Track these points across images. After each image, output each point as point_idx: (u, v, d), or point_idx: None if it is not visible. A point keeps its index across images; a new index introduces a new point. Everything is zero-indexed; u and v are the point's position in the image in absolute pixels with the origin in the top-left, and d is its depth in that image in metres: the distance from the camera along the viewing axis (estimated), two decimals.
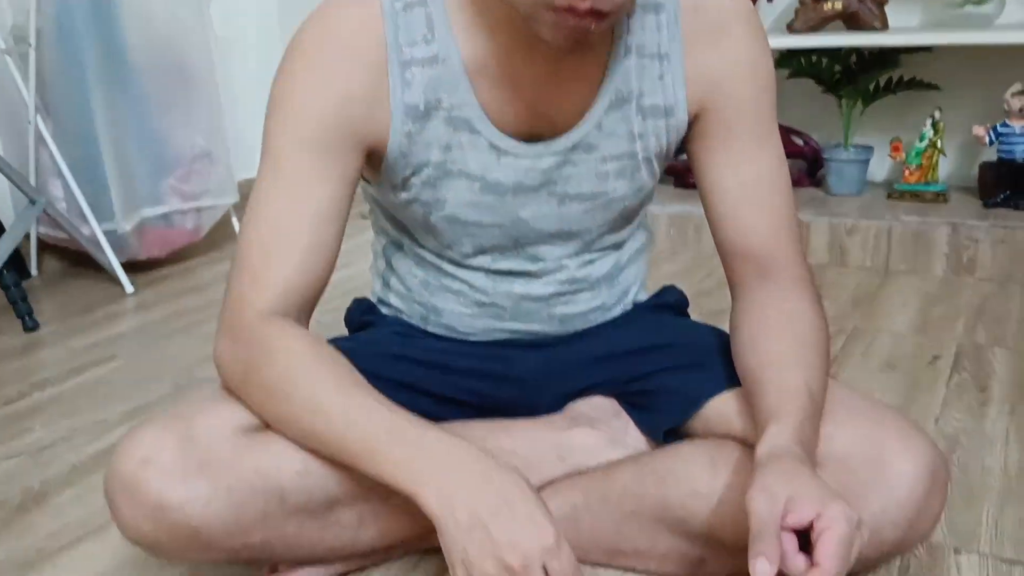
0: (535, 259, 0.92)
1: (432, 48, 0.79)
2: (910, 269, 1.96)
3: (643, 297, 1.04)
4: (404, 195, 0.86)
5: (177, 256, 2.24)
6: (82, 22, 1.92)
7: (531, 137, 0.84)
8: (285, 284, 0.80)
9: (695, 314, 1.10)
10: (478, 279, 0.93)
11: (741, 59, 0.85)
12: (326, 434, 0.75)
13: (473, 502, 0.68)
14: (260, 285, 0.80)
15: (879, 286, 1.88)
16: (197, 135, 2.17)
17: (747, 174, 0.87)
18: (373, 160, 0.84)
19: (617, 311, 1.00)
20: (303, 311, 0.83)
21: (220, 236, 2.34)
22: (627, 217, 0.94)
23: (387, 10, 0.78)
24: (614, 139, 0.86)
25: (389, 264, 1.00)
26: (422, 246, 0.94)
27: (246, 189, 2.53)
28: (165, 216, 2.14)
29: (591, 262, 0.95)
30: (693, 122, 0.88)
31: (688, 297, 1.09)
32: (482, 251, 0.91)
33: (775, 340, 0.84)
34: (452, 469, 0.70)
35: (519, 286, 0.93)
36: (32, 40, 1.91)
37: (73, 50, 1.93)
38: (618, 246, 0.97)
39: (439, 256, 0.93)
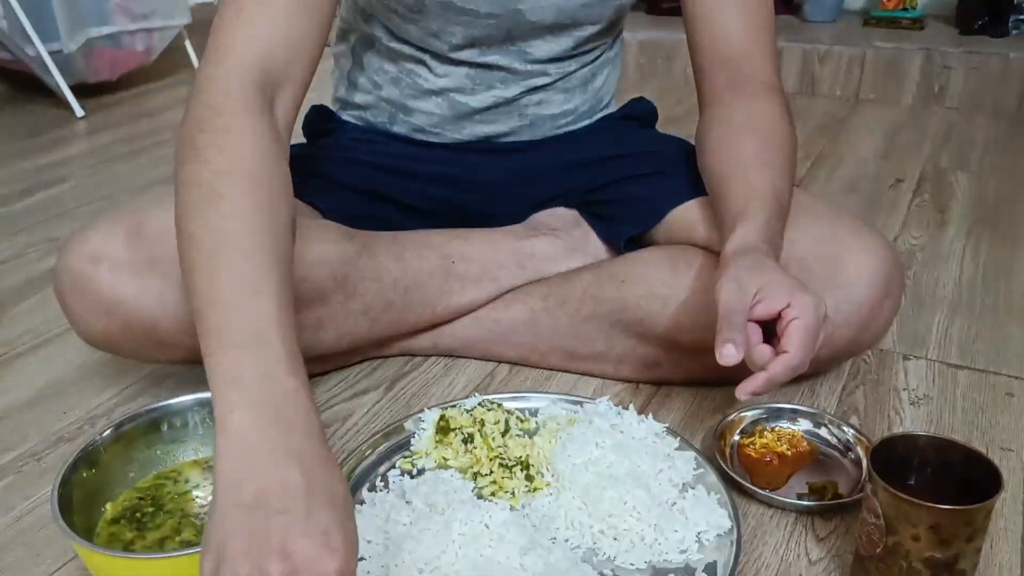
0: (523, 54, 0.89)
1: None
2: (880, 98, 1.94)
3: (612, 108, 1.02)
4: None
5: (128, 80, 2.15)
6: None
7: None
8: (273, 28, 0.68)
9: None
10: (458, 75, 0.89)
11: None
12: (193, 277, 0.57)
13: (272, 481, 0.47)
14: (243, 26, 0.68)
15: (848, 114, 1.86)
16: None
17: None
18: None
19: (586, 121, 0.98)
20: (287, 82, 0.70)
21: (173, 61, 2.25)
22: (618, 18, 0.92)
23: None
24: None
25: (358, 62, 0.95)
26: (401, 39, 0.89)
27: (199, 15, 2.42)
28: (113, 37, 2.04)
29: (570, 72, 0.92)
30: None
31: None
32: (471, 43, 0.87)
33: (742, 142, 0.82)
34: (278, 430, 0.49)
35: (499, 86, 0.90)
36: None
37: None
38: (599, 49, 0.95)
39: (421, 49, 0.89)
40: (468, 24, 0.84)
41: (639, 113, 1.05)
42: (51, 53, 1.92)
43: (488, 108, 0.91)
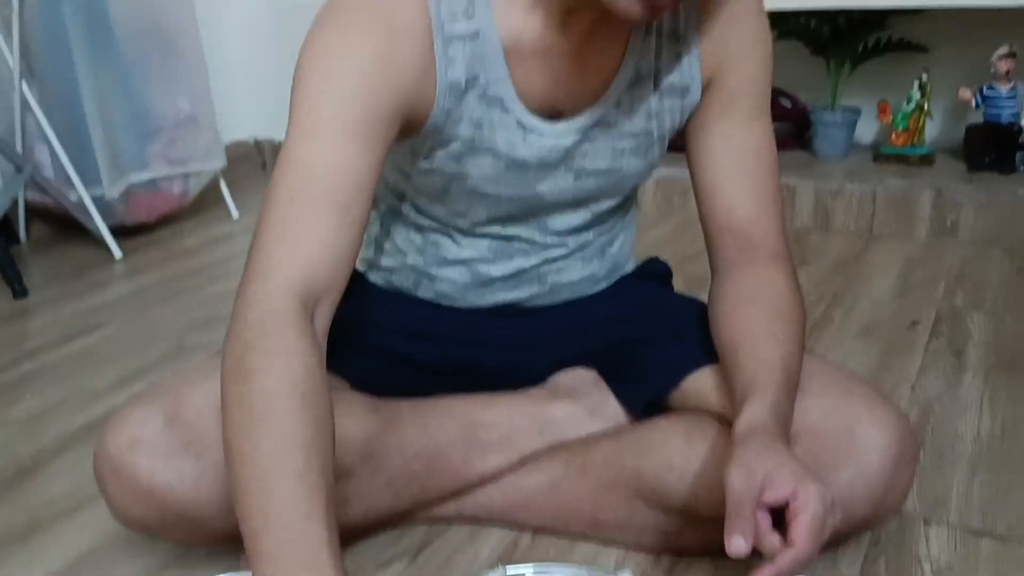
0: (543, 227, 0.93)
1: (473, 24, 0.77)
2: (893, 233, 1.98)
3: (629, 268, 1.06)
4: (425, 164, 0.85)
5: (165, 221, 2.24)
6: None
7: (553, 114, 0.84)
8: (318, 239, 0.72)
9: (680, 279, 1.12)
10: (481, 246, 0.93)
11: (749, 35, 0.87)
12: (244, 497, 0.62)
13: None
14: (290, 238, 0.71)
15: (862, 250, 1.90)
16: (182, 100, 2.16)
17: (738, 144, 0.89)
18: (414, 123, 0.80)
19: (603, 284, 1.02)
20: (327, 295, 0.73)
21: (208, 201, 2.34)
22: (633, 191, 0.97)
23: None
24: (631, 117, 0.87)
25: (386, 229, 0.99)
26: (428, 216, 0.93)
27: (232, 153, 2.53)
28: (152, 181, 2.14)
29: (590, 230, 0.97)
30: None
31: (673, 264, 1.11)
32: (494, 220, 0.91)
33: (751, 314, 0.85)
34: None
35: (519, 257, 0.94)
36: (15, 3, 1.89)
37: (56, 14, 1.91)
38: (616, 216, 0.99)
39: (445, 224, 0.93)
40: (492, 206, 0.89)
41: (655, 272, 1.09)
42: (92, 198, 2.02)
43: (509, 276, 0.96)
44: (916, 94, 2.08)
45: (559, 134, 0.84)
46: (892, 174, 2.03)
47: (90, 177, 2.02)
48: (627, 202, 0.99)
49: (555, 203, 0.91)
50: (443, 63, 0.76)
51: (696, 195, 0.93)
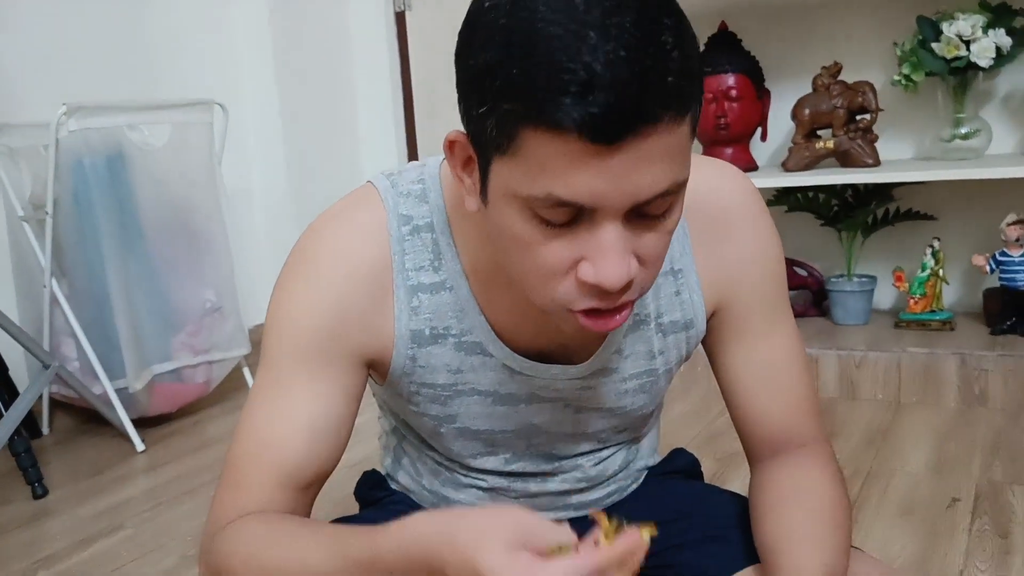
0: (549, 458, 0.89)
1: (440, 275, 0.76)
2: (921, 401, 1.95)
3: (654, 461, 1.03)
4: (412, 408, 0.84)
5: (188, 410, 2.24)
6: (97, 190, 1.98)
7: (548, 359, 0.80)
8: (291, 456, 0.75)
9: (710, 459, 1.09)
10: (491, 479, 0.90)
11: (748, 252, 0.82)
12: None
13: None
14: (263, 456, 0.75)
15: (892, 421, 1.86)
16: (208, 290, 2.21)
17: (760, 360, 0.85)
18: (379, 368, 0.80)
19: (631, 488, 0.99)
20: (309, 491, 0.78)
21: (231, 387, 2.35)
22: (645, 417, 0.93)
23: (394, 234, 0.75)
24: (633, 359, 0.83)
25: (399, 443, 0.97)
26: (432, 448, 0.91)
27: (256, 336, 2.56)
28: (175, 371, 2.16)
29: (606, 458, 0.93)
30: (709, 319, 0.85)
31: (701, 440, 1.09)
32: (493, 453, 0.88)
33: (791, 513, 0.81)
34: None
35: (534, 484, 0.90)
36: (49, 208, 1.97)
37: (88, 217, 1.99)
38: (636, 439, 0.96)
39: (451, 460, 0.90)
40: (487, 443, 0.86)
41: (681, 467, 1.06)
42: (116, 390, 2.03)
43: (528, 502, 0.91)
44: (930, 261, 2.10)
45: (552, 377, 0.81)
46: (914, 341, 2.02)
47: (114, 370, 2.04)
48: (641, 427, 0.95)
49: (556, 434, 0.87)
50: (403, 312, 0.76)
51: (727, 404, 0.89)
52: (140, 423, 2.07)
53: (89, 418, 2.18)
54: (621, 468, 0.95)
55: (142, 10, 2.52)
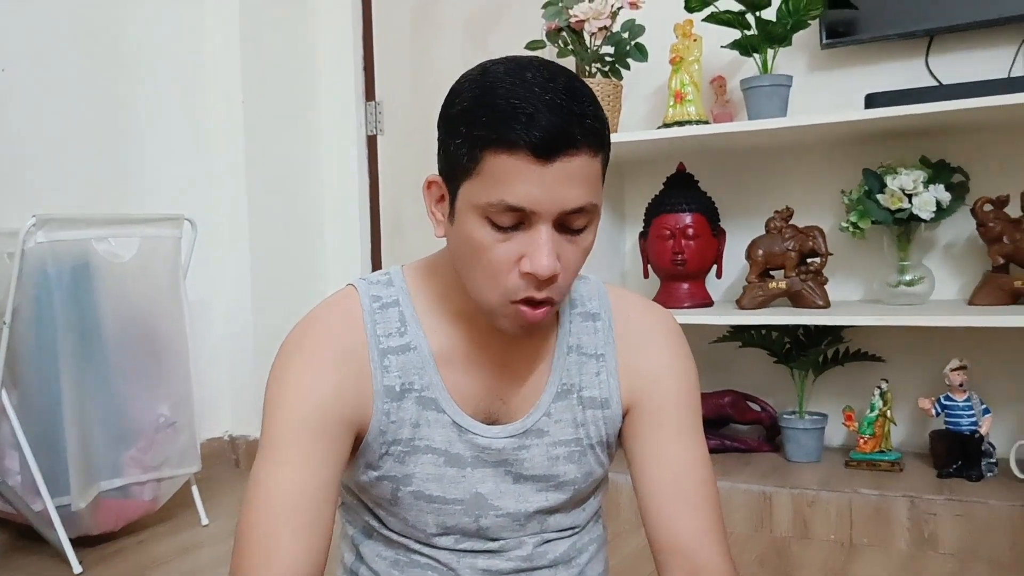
0: (495, 539, 0.96)
1: (405, 338, 0.92)
2: (873, 543, 1.97)
3: None
4: (374, 473, 0.93)
5: (132, 528, 2.17)
6: (59, 301, 1.97)
7: (489, 419, 0.94)
8: (292, 562, 0.82)
9: None
10: (443, 555, 0.96)
11: (664, 364, 0.98)
12: None
13: None
14: (268, 564, 0.82)
15: (844, 563, 1.87)
16: (163, 405, 2.18)
17: (672, 466, 0.95)
18: (360, 432, 0.91)
19: None
20: None
21: (177, 504, 2.29)
22: (578, 500, 1.00)
23: (366, 309, 0.92)
24: (561, 425, 0.96)
25: (358, 554, 1.02)
26: (389, 528, 0.98)
27: (207, 450, 2.52)
28: (122, 488, 2.10)
29: (548, 541, 0.99)
30: (626, 415, 0.98)
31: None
32: (446, 531, 0.95)
33: None
34: None
35: (482, 561, 0.96)
36: (7, 317, 1.95)
37: (47, 327, 1.97)
38: (574, 531, 1.01)
39: (406, 536, 0.97)
40: (439, 512, 0.94)
41: None
42: (58, 507, 1.96)
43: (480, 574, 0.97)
44: (878, 402, 2.16)
45: (493, 436, 0.93)
46: (864, 482, 2.05)
47: (58, 486, 1.98)
48: (577, 513, 1.01)
49: (499, 510, 0.94)
50: (378, 371, 0.90)
51: (642, 518, 0.97)
52: (81, 542, 2.00)
53: (24, 535, 2.10)
54: (564, 559, 1.00)
55: (119, 124, 2.57)
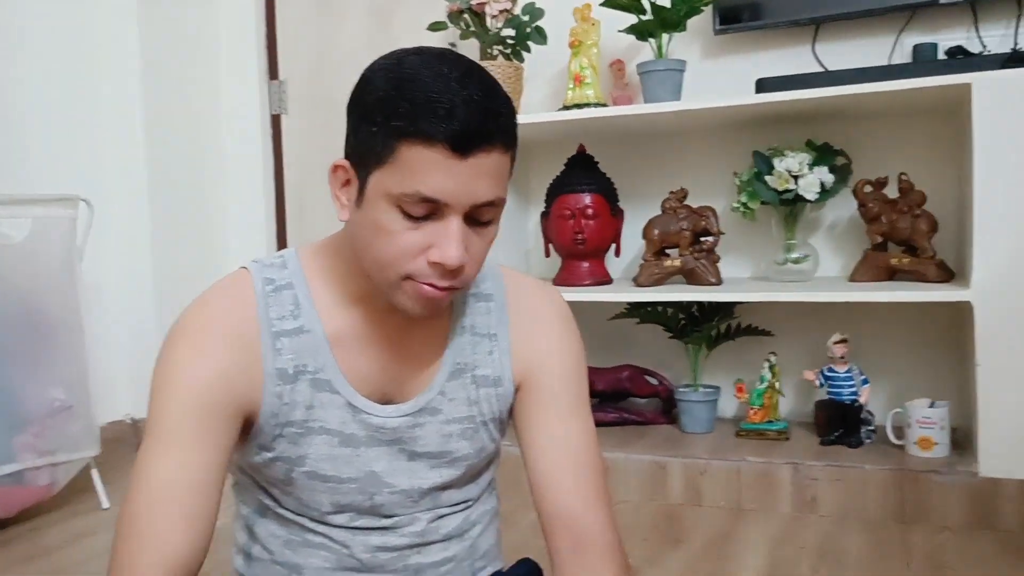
0: (389, 516, 0.98)
1: (299, 321, 0.92)
2: (760, 507, 2.07)
3: (498, 566, 1.08)
4: (268, 454, 0.94)
5: (27, 514, 2.13)
6: None
7: (384, 399, 0.96)
8: (172, 551, 0.83)
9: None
10: (337, 533, 0.98)
11: (554, 344, 1.02)
12: None
13: None
14: (147, 552, 0.83)
15: (732, 527, 1.97)
16: (57, 389, 2.14)
17: (559, 438, 0.99)
18: (243, 426, 0.91)
19: (466, 566, 1.04)
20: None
21: (76, 489, 2.25)
22: (472, 475, 1.03)
23: (259, 292, 0.92)
24: (455, 404, 0.98)
25: (251, 534, 1.02)
26: (283, 507, 0.98)
27: (108, 434, 2.48)
28: (17, 474, 2.06)
29: (441, 517, 1.01)
30: (517, 391, 1.02)
31: (545, 565, 1.13)
32: (339, 509, 0.97)
33: None
34: None
35: (376, 537, 0.98)
36: None
37: None
38: (467, 504, 1.04)
39: (300, 515, 0.98)
40: (333, 492, 0.96)
41: (524, 574, 1.11)
42: None
43: (370, 560, 0.99)
44: (767, 374, 2.26)
45: (387, 415, 0.95)
46: (753, 450, 2.15)
47: None
48: (470, 487, 1.04)
49: (393, 488, 0.97)
50: (269, 355, 0.91)
51: (531, 488, 1.00)
52: None
53: None
54: (457, 532, 1.02)
55: (12, 103, 2.49)
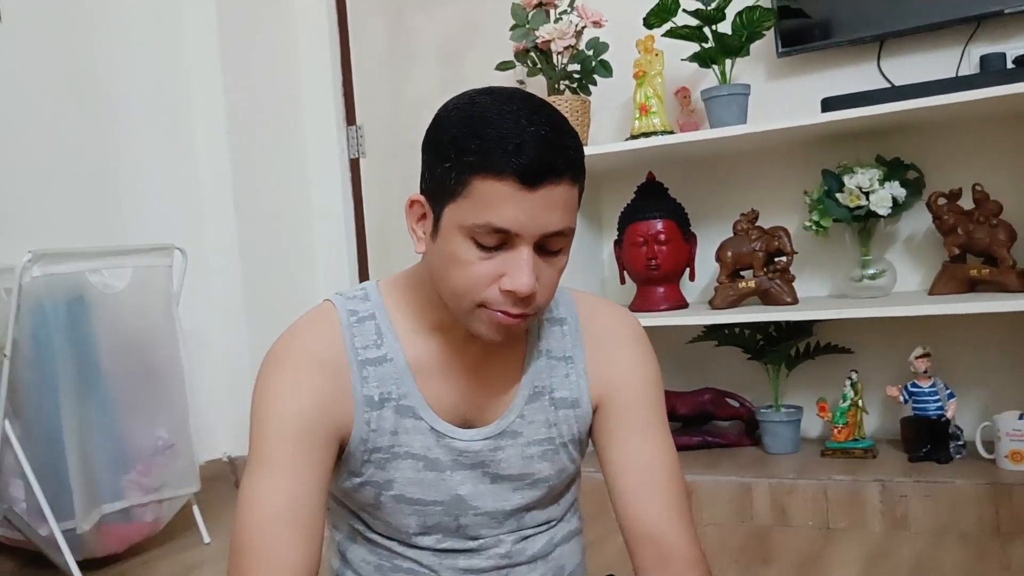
0: (475, 538, 1.02)
1: (382, 350, 0.97)
2: (850, 526, 2.05)
3: None
4: (357, 479, 0.98)
5: (136, 550, 2.24)
6: (56, 333, 2.05)
7: (465, 424, 0.99)
8: (288, 570, 0.87)
9: None
10: (425, 557, 1.01)
11: (629, 364, 1.04)
12: None
13: None
14: (264, 571, 0.87)
15: (822, 547, 1.96)
16: (161, 428, 2.26)
17: (639, 456, 1.01)
18: (343, 441, 0.96)
19: None
20: None
21: (179, 525, 2.36)
22: (554, 496, 1.06)
23: (344, 323, 0.97)
24: (534, 426, 1.01)
25: (344, 560, 1.07)
26: (373, 531, 1.03)
27: (207, 472, 2.59)
28: (125, 511, 2.17)
29: (526, 538, 1.04)
30: (595, 412, 1.04)
31: None
32: (426, 531, 1.01)
33: None
34: None
35: (463, 560, 1.02)
36: (8, 351, 2.03)
37: (46, 359, 2.04)
38: (550, 524, 1.07)
39: (389, 538, 1.02)
40: (419, 514, 0.99)
41: None
42: (63, 532, 2.03)
43: (461, 573, 1.02)
44: (849, 392, 2.25)
45: (469, 439, 0.99)
46: (839, 469, 2.13)
47: (63, 510, 2.04)
48: (553, 508, 1.07)
49: (478, 510, 1.00)
50: (357, 382, 0.95)
51: (614, 508, 1.03)
52: (87, 564, 2.06)
53: (32, 560, 2.17)
54: (542, 553, 1.05)
55: (107, 161, 2.66)
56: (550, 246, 0.89)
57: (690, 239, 2.43)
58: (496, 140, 0.84)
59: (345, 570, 1.07)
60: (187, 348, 2.36)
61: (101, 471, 2.12)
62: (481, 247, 0.87)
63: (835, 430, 2.26)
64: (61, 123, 2.53)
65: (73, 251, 2.12)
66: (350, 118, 3.17)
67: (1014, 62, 2.13)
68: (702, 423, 2.49)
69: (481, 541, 1.02)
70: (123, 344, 2.20)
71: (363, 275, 3.19)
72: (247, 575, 0.87)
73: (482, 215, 0.85)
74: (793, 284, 2.29)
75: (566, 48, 2.34)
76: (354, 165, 3.19)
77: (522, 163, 0.83)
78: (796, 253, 2.30)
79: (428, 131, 0.92)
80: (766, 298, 2.30)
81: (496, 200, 0.84)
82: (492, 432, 0.99)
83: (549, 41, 2.33)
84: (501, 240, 0.86)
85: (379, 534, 1.03)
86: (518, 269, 0.86)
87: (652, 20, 2.29)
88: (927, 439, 2.13)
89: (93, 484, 2.10)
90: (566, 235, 0.89)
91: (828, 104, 2.16)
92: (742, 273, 2.35)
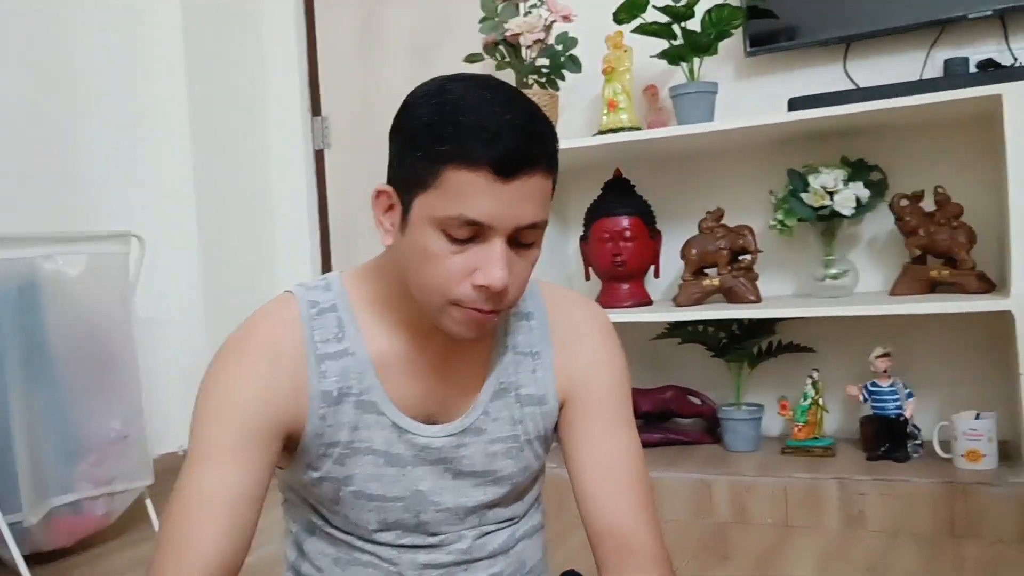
0: (435, 534, 1.00)
1: (343, 344, 0.94)
2: (808, 524, 2.06)
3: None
4: (315, 474, 0.95)
5: (85, 543, 2.18)
6: (5, 320, 1.99)
7: (429, 420, 0.97)
8: (208, 563, 0.84)
9: None
10: (385, 551, 0.99)
11: (597, 359, 1.03)
12: None
13: None
14: (185, 563, 0.84)
15: (779, 544, 1.96)
16: (114, 419, 2.21)
17: (605, 452, 1.00)
18: (289, 444, 0.93)
19: None
20: None
21: (131, 519, 2.31)
22: (518, 493, 1.04)
23: (304, 315, 0.94)
24: (499, 423, 0.99)
25: (301, 552, 1.04)
26: (332, 525, 1.00)
27: (162, 465, 2.54)
28: (75, 503, 2.12)
29: (487, 534, 1.02)
30: (561, 408, 1.02)
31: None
32: (386, 527, 0.98)
33: None
34: None
35: (423, 555, 1.00)
36: None
37: None
38: (513, 521, 1.05)
39: (348, 533, 1.00)
40: (379, 510, 0.97)
41: None
42: (9, 524, 1.97)
43: (421, 569, 1.00)
44: (810, 391, 2.26)
45: (432, 435, 0.96)
46: (799, 467, 2.14)
47: (10, 503, 1.98)
48: (516, 505, 1.05)
49: (439, 506, 0.98)
50: (314, 377, 0.92)
51: (577, 503, 1.01)
52: (35, 558, 2.01)
53: None
54: (503, 549, 1.03)
55: (63, 144, 2.59)
56: (523, 239, 0.86)
57: (655, 236, 2.43)
58: (470, 128, 0.81)
59: (302, 563, 1.04)
60: (144, 339, 2.32)
61: (50, 462, 2.06)
62: (452, 240, 0.84)
63: (796, 428, 2.27)
64: (20, 109, 2.46)
65: (25, 236, 2.06)
66: (315, 108, 3.14)
67: (976, 66, 2.15)
68: (663, 420, 2.49)
69: (442, 537, 1.00)
70: (76, 332, 2.15)
71: (326, 267, 3.16)
72: (166, 565, 0.85)
73: (454, 207, 0.82)
74: (757, 283, 2.30)
75: (535, 42, 2.33)
76: (319, 156, 3.15)
77: (497, 153, 0.81)
78: (761, 252, 2.31)
79: (397, 118, 0.88)
80: (730, 296, 2.30)
81: (469, 191, 0.81)
82: (456, 429, 0.97)
83: (518, 34, 2.32)
84: (473, 233, 0.84)
85: (338, 528, 1.01)
86: (491, 263, 0.84)
87: (622, 16, 2.29)
88: (886, 438, 2.15)
89: (42, 475, 2.04)
90: (539, 227, 0.87)
91: (794, 104, 2.17)
92: (707, 271, 2.36)
